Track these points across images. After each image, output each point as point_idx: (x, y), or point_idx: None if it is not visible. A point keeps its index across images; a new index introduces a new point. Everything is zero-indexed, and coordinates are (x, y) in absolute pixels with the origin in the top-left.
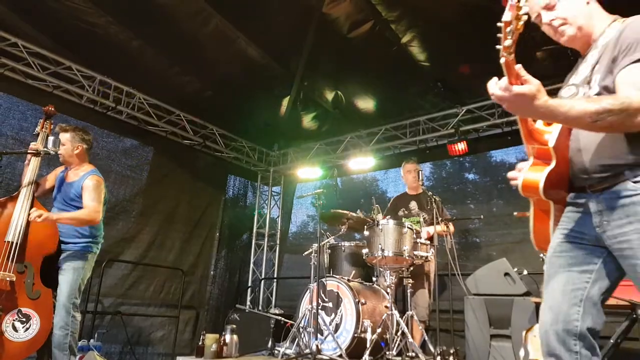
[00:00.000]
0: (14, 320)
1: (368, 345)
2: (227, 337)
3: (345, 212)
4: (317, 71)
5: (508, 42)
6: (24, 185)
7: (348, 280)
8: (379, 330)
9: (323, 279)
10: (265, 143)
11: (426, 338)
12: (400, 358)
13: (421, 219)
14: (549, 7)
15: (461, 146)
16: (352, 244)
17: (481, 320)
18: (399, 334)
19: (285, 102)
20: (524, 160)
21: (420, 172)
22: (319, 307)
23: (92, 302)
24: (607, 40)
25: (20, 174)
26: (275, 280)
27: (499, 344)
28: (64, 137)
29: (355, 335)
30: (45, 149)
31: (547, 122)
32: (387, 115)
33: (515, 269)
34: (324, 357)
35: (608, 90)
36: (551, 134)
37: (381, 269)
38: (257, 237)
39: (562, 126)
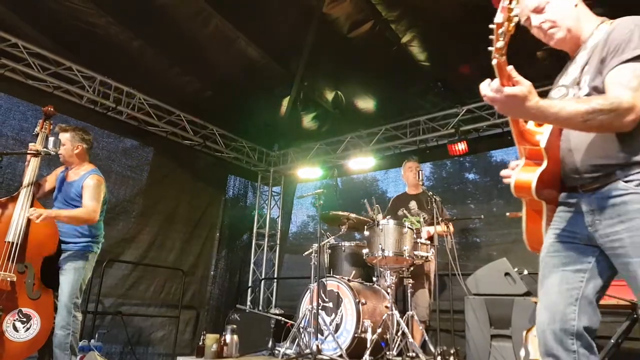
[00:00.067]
0: (14, 320)
1: (368, 345)
2: (228, 337)
3: (345, 213)
4: (317, 71)
5: (500, 43)
6: (24, 186)
7: (348, 280)
8: (379, 330)
9: (323, 279)
10: (266, 143)
11: (426, 338)
12: (400, 358)
13: (421, 219)
14: (538, 10)
15: (461, 146)
16: (353, 244)
17: (482, 320)
18: (399, 334)
19: (285, 102)
20: None
21: (420, 171)
22: (319, 307)
23: (92, 302)
24: (596, 42)
25: (21, 174)
26: (275, 280)
27: (499, 344)
28: (64, 136)
29: (356, 335)
30: (45, 150)
31: (538, 122)
32: (387, 115)
33: (516, 269)
34: (324, 357)
35: (597, 90)
36: (542, 134)
37: (381, 269)
38: (258, 237)
39: (553, 127)
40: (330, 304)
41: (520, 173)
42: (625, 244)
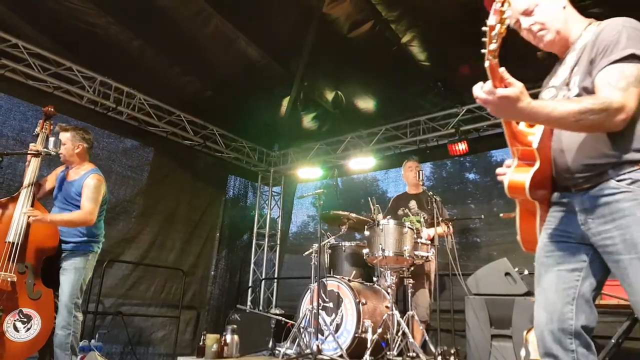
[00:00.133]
0: (15, 320)
1: (369, 345)
2: (228, 338)
3: (345, 213)
4: (317, 71)
5: (493, 45)
6: (24, 186)
7: (349, 280)
8: (379, 330)
9: (324, 279)
10: (266, 143)
11: (427, 338)
12: (401, 358)
13: (421, 219)
14: (527, 13)
15: (462, 146)
16: (353, 244)
17: (482, 320)
18: (399, 334)
19: (285, 102)
20: None
21: (420, 171)
22: (320, 307)
23: (93, 302)
24: (585, 43)
25: (21, 174)
26: (275, 280)
27: (500, 344)
28: (65, 136)
29: (356, 335)
30: (45, 150)
31: (530, 123)
32: (387, 115)
33: (516, 269)
34: (325, 357)
35: (587, 91)
36: (534, 135)
37: (382, 269)
38: (258, 237)
39: (545, 127)
40: (331, 304)
41: (514, 174)
42: (617, 241)
